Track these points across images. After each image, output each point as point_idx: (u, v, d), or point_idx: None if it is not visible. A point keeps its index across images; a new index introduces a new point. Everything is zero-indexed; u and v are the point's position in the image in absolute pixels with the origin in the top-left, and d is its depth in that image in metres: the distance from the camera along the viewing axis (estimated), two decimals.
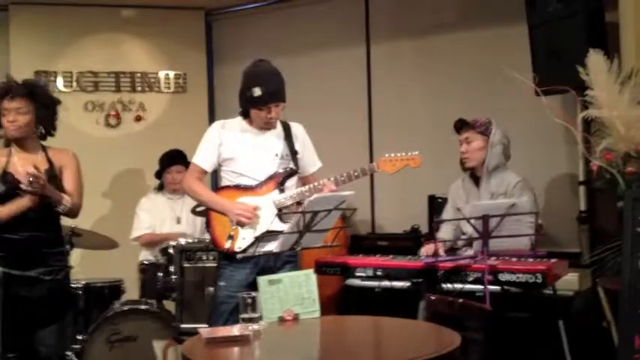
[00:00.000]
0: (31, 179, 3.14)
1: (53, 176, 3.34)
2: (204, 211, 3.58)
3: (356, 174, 3.37)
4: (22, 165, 3.30)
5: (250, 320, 2.52)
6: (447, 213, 3.93)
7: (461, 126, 3.80)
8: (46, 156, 3.39)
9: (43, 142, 3.45)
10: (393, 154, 3.41)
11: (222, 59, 5.99)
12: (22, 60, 5.39)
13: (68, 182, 3.41)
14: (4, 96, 3.31)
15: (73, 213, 3.42)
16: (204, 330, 2.48)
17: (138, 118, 5.71)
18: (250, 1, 5.75)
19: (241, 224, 3.33)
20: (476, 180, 3.81)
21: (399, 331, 2.57)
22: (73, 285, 3.72)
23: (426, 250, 3.68)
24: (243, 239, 3.35)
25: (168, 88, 5.79)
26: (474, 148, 3.74)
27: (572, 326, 3.30)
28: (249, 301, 2.54)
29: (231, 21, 5.97)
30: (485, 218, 3.08)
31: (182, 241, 4.22)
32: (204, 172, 3.52)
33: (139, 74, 5.73)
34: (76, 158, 3.47)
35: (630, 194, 3.00)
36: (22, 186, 3.20)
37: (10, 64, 5.39)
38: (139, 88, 5.73)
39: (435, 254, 3.51)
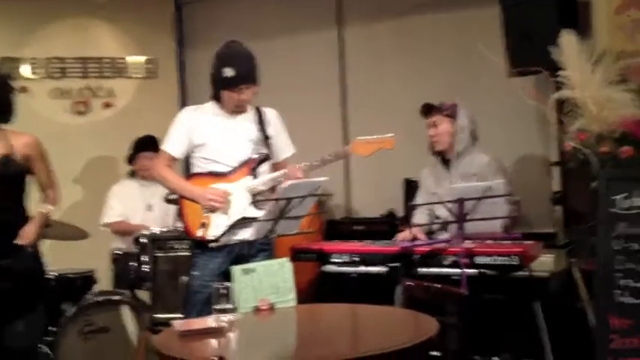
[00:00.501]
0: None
1: (11, 161, 3.21)
2: (177, 199, 3.53)
3: (330, 158, 3.34)
4: None
5: (224, 311, 2.47)
6: (420, 198, 3.92)
7: (427, 110, 3.82)
8: (6, 138, 3.25)
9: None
10: (366, 137, 3.38)
11: (193, 43, 5.90)
12: None
13: (42, 176, 3.34)
14: None
15: (57, 206, 3.40)
16: (178, 322, 2.44)
17: (107, 105, 5.61)
18: None
19: (213, 209, 3.28)
20: (446, 163, 3.81)
21: (375, 319, 2.55)
22: (46, 275, 3.64)
23: (403, 237, 3.66)
24: (216, 227, 3.31)
25: (138, 73, 5.70)
26: (441, 131, 3.75)
27: (548, 307, 3.31)
28: (223, 291, 2.49)
29: (201, 4, 5.88)
30: (460, 202, 3.06)
31: (154, 229, 4.16)
32: (174, 159, 3.47)
33: (107, 60, 5.62)
34: (39, 144, 3.35)
35: (604, 174, 3.01)
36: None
37: None
38: (108, 74, 5.63)
39: (414, 239, 3.50)
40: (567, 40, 3.27)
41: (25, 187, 3.33)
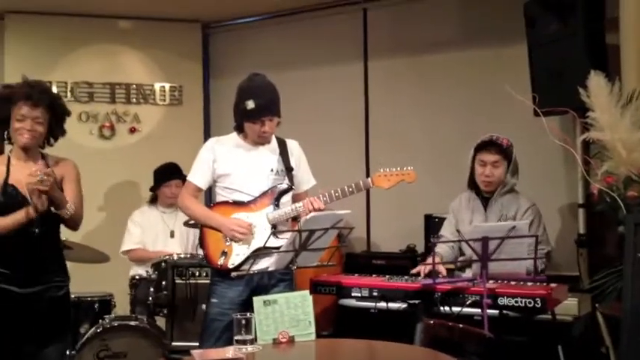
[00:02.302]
0: (43, 177, 2.99)
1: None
2: (196, 224, 3.53)
3: (350, 190, 3.33)
4: (24, 175, 3.15)
5: (244, 342, 2.46)
6: (445, 229, 3.84)
7: (486, 146, 3.63)
8: (47, 165, 3.26)
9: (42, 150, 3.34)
10: (387, 170, 3.37)
11: (218, 72, 5.97)
12: (16, 69, 5.28)
13: (68, 192, 3.27)
14: (25, 100, 3.15)
15: (73, 221, 3.27)
16: (196, 352, 2.42)
17: (132, 130, 5.66)
18: (248, 14, 5.73)
19: (235, 240, 3.28)
20: (483, 199, 3.70)
21: (395, 357, 2.51)
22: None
23: (418, 270, 3.58)
24: (236, 255, 3.31)
25: (164, 100, 5.75)
26: (499, 173, 3.61)
27: (571, 351, 3.25)
28: (244, 322, 2.48)
29: (228, 34, 5.95)
30: (484, 240, 3.03)
31: (175, 256, 4.16)
32: (199, 190, 3.48)
33: (134, 86, 5.69)
34: (76, 169, 3.35)
35: (631, 219, 2.95)
36: (29, 187, 3.03)
37: (4, 72, 5.35)
38: (134, 100, 5.69)
39: (430, 273, 3.46)
40: (596, 81, 3.26)
41: None
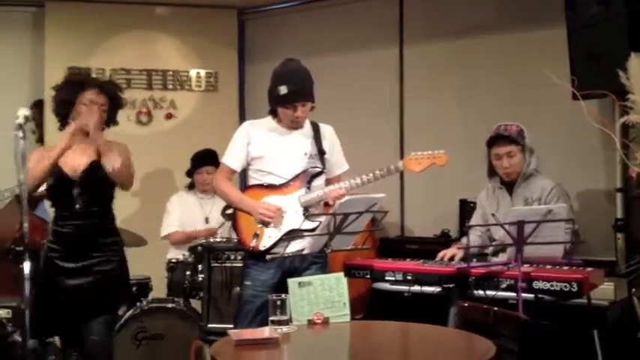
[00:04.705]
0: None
1: (99, 167, 3.32)
2: (232, 214, 3.57)
3: (382, 173, 3.34)
4: (72, 156, 3.32)
5: (279, 323, 2.50)
6: (475, 221, 3.85)
7: (495, 141, 3.67)
8: (96, 146, 3.37)
9: None
10: (419, 153, 3.37)
11: (253, 58, 5.99)
12: (56, 55, 5.43)
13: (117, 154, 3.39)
14: (95, 87, 3.34)
15: (119, 178, 3.35)
16: (233, 332, 2.46)
17: (169, 116, 5.72)
18: (283, 0, 5.74)
19: (264, 224, 3.31)
20: (507, 186, 3.72)
21: (430, 338, 2.52)
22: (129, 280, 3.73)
23: (447, 253, 3.62)
24: (268, 238, 3.34)
25: (200, 86, 5.80)
26: (516, 162, 3.63)
27: (606, 336, 3.22)
28: (279, 303, 2.52)
29: (263, 20, 5.97)
30: (520, 224, 3.01)
31: (211, 239, 4.22)
32: (233, 172, 3.52)
33: (170, 72, 5.74)
34: (127, 152, 3.46)
35: None
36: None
37: (44, 59, 5.45)
38: (171, 86, 5.74)
39: (452, 259, 3.50)
40: (636, 63, 3.19)
41: (113, 193, 3.45)
